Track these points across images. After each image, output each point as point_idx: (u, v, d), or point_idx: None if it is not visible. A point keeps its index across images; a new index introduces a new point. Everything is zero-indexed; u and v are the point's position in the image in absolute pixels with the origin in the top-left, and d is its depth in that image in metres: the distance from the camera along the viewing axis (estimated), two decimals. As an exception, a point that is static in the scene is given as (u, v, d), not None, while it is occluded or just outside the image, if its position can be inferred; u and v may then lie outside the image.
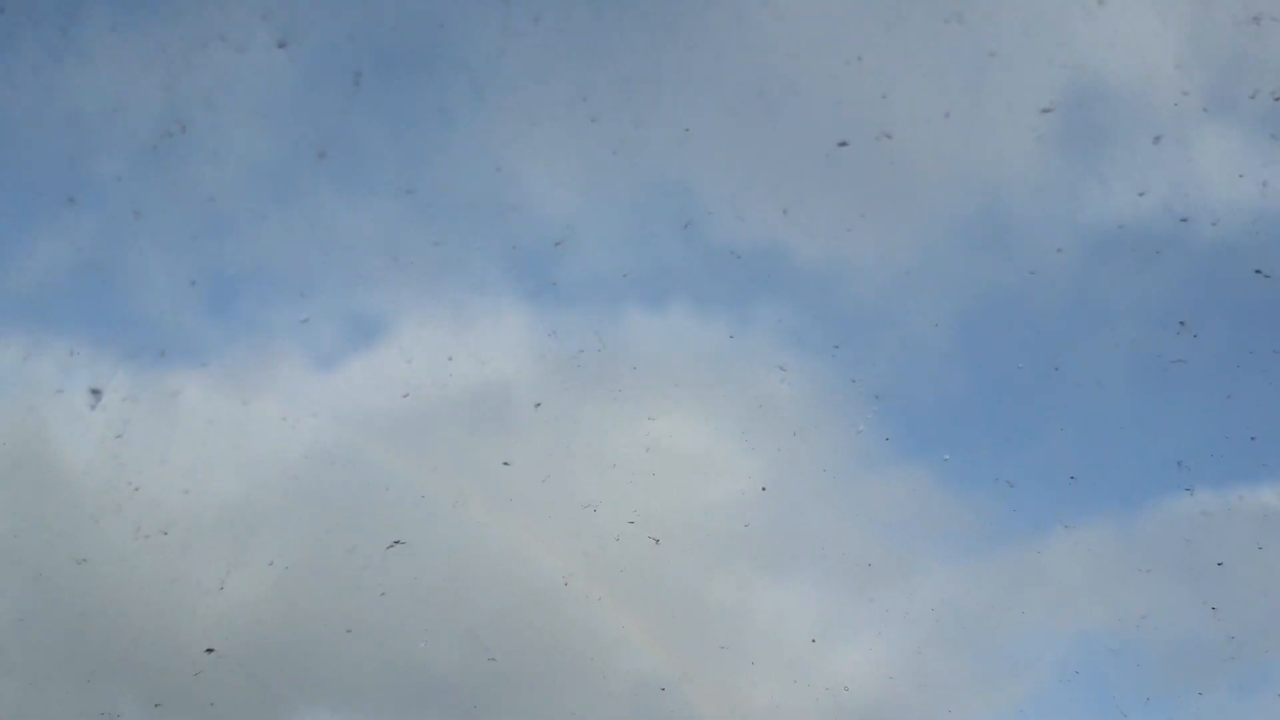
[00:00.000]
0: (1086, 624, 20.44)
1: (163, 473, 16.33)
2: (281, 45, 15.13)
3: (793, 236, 19.35)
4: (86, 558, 15.46)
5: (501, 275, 20.61)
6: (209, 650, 14.46)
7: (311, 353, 20.62)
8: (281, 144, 18.83)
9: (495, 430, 17.70)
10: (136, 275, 20.54)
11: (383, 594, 15.83)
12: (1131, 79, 16.37)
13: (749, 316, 20.24)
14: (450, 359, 16.60)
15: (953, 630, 19.74)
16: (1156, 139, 15.46)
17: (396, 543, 14.95)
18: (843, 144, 14.22)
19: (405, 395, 16.95)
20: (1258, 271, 14.32)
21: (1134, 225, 16.98)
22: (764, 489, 16.85)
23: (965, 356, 21.37)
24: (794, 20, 15.68)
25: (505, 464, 15.93)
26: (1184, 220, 15.66)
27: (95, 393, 14.82)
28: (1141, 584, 17.76)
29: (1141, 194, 15.79)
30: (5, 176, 19.99)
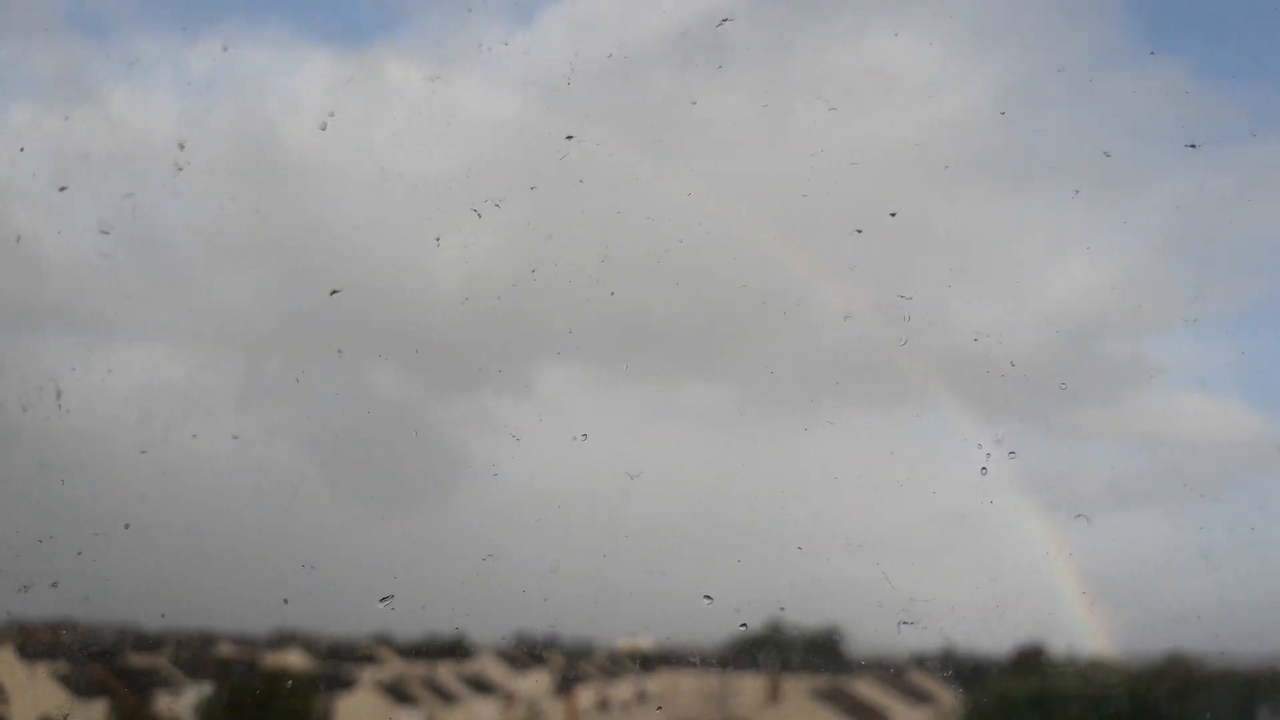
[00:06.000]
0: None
1: (376, 148, 16.67)
2: None
3: None
4: (320, 231, 16.27)
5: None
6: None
7: (505, 9, 19.73)
8: None
9: (706, 68, 16.96)
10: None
11: (602, 259, 16.08)
12: None
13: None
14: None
15: (1185, 234, 18.69)
16: None
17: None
18: None
19: (605, 39, 16.31)
20: None
21: None
22: (1002, 113, 15.75)
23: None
24: None
25: (693, 104, 15.35)
26: None
27: None
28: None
29: None
30: None
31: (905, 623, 13.48)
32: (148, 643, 35.92)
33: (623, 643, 37.42)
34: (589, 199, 16.03)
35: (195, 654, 36.82)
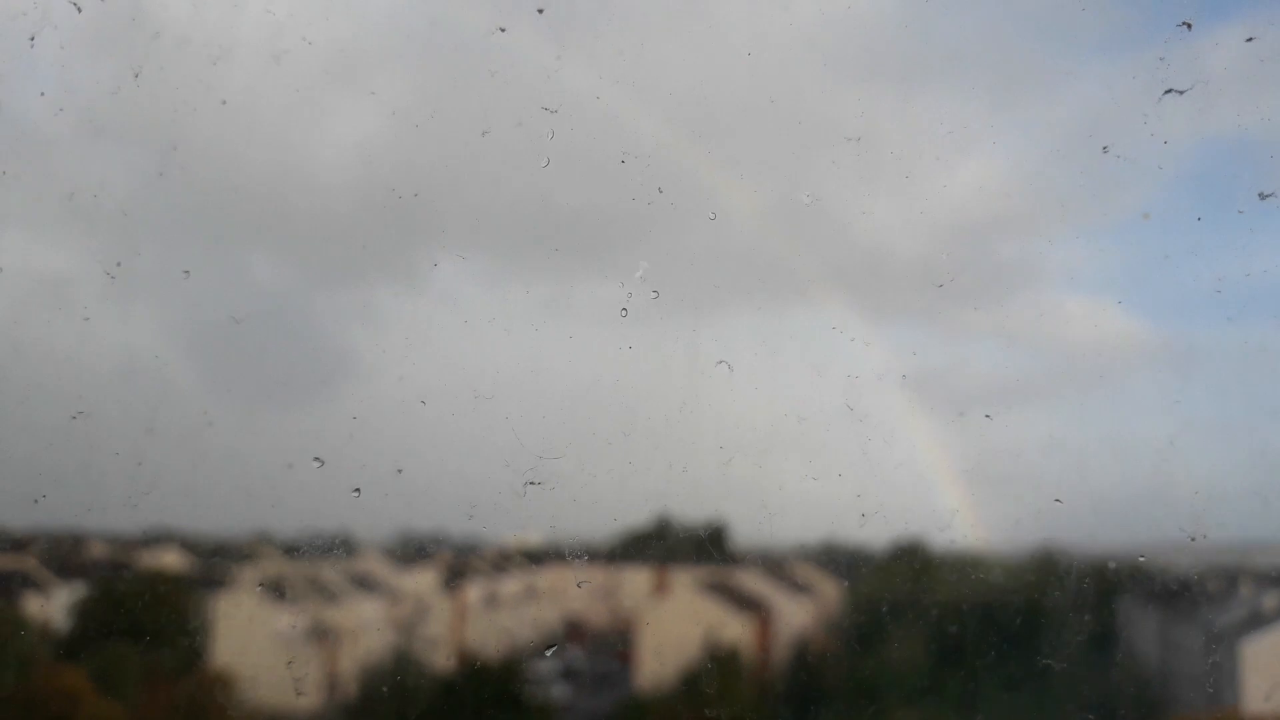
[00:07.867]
0: (1225, 126, 19.44)
1: (257, 20, 15.59)
2: None
3: None
4: (195, 111, 15.24)
5: None
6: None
7: None
8: None
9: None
10: None
11: (484, 134, 15.48)
12: None
13: None
14: None
15: (1083, 138, 18.92)
16: None
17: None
18: None
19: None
20: None
21: None
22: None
23: None
24: None
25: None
26: None
27: None
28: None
29: None
30: None
31: (531, 483, 13.55)
32: (12, 543, 34.56)
33: (511, 539, 37.53)
34: (487, 83, 15.35)
35: (65, 554, 35.58)
